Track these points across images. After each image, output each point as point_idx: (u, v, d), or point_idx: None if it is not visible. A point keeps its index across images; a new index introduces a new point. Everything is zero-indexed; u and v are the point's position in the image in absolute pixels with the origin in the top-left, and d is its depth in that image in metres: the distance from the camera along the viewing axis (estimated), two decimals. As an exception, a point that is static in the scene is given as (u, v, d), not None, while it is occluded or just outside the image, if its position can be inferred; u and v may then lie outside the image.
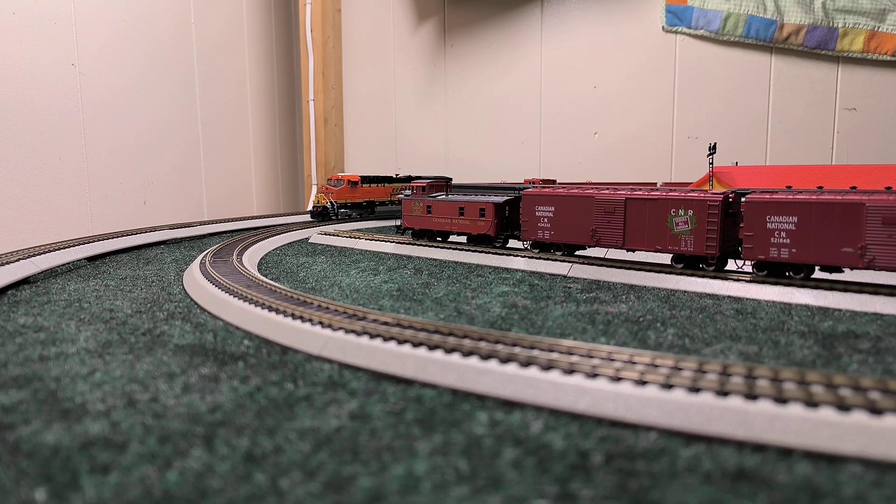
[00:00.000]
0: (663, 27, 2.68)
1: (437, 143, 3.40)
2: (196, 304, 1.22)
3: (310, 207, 2.69)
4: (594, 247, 1.56)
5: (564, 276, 1.49)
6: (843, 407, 0.59)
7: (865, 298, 1.13)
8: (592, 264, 1.50)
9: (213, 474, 0.53)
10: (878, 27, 2.30)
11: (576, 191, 1.58)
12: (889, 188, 1.22)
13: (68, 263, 1.68)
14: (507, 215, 1.79)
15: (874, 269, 1.15)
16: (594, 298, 1.24)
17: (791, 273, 1.27)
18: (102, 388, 0.74)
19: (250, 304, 1.08)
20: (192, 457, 0.56)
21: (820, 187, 1.32)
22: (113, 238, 1.99)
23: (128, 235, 2.07)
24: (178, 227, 2.34)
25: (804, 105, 2.48)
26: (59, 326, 1.04)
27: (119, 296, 1.30)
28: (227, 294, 1.17)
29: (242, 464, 0.55)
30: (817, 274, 1.26)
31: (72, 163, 2.47)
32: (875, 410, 0.58)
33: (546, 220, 1.61)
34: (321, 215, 2.61)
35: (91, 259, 1.78)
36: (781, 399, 0.61)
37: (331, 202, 2.56)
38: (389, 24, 3.50)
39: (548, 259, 1.58)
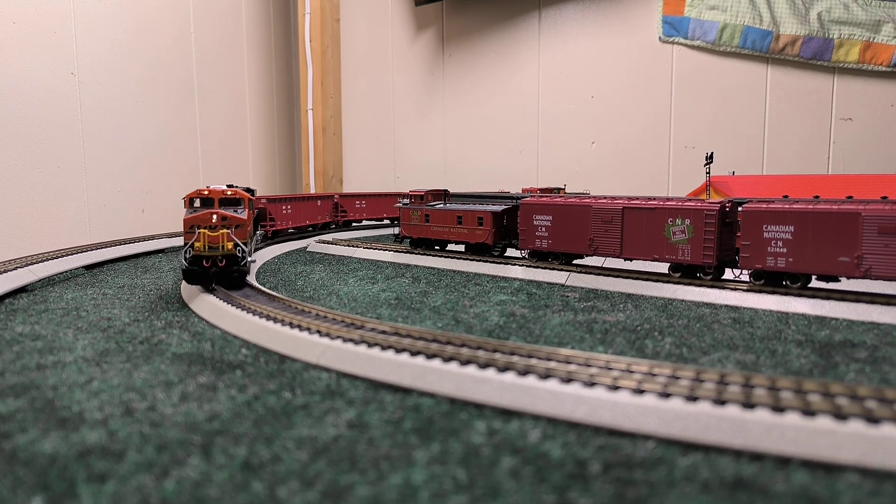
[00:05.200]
0: (660, 38, 2.69)
1: (436, 151, 3.41)
2: (194, 312, 1.22)
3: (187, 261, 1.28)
4: (592, 256, 1.57)
5: (562, 285, 1.49)
6: (840, 416, 0.59)
7: (862, 308, 1.14)
8: (590, 273, 1.51)
9: (210, 483, 0.53)
10: (874, 38, 2.31)
11: (573, 200, 1.58)
12: (885, 198, 1.23)
13: (66, 272, 1.68)
14: (505, 224, 1.79)
15: (871, 279, 1.16)
16: (592, 307, 1.24)
17: (788, 282, 1.27)
18: (100, 396, 0.74)
19: (248, 312, 1.08)
20: (189, 465, 0.56)
21: (816, 197, 1.33)
22: (111, 246, 1.99)
23: (126, 244, 2.07)
24: (176, 236, 2.34)
25: (800, 115, 2.50)
26: (57, 335, 1.04)
27: (117, 304, 1.30)
28: (225, 303, 1.17)
29: (240, 473, 0.55)
30: (814, 283, 1.26)
31: (70, 171, 2.48)
32: (872, 419, 0.58)
33: (544, 229, 1.62)
34: (225, 277, 1.29)
35: (89, 267, 1.78)
36: (779, 408, 0.61)
37: (241, 246, 1.29)
38: (388, 33, 3.52)
39: (546, 268, 1.59)
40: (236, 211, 1.33)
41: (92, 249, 1.89)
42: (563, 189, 2.67)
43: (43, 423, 0.66)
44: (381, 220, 2.93)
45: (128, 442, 0.61)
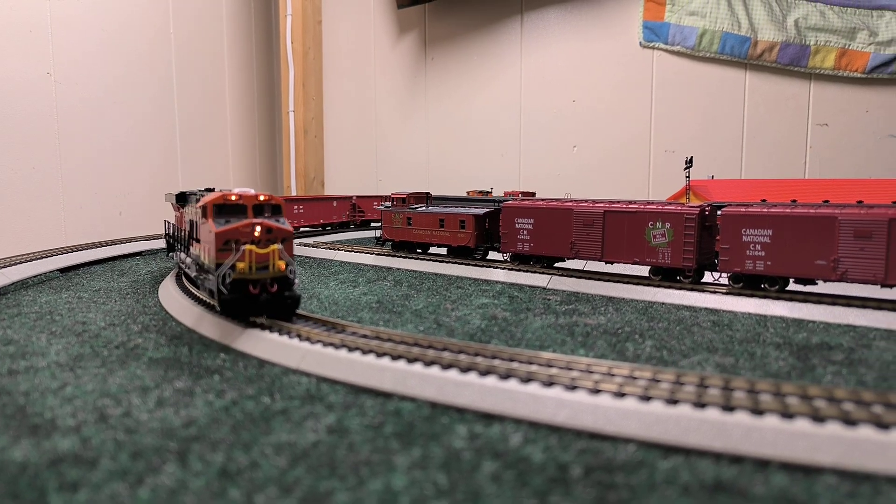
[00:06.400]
0: (641, 43, 2.72)
1: (419, 154, 3.40)
2: (171, 316, 1.20)
3: (222, 289, 0.99)
4: (573, 259, 1.57)
5: (544, 288, 1.49)
6: (818, 418, 0.59)
7: (839, 310, 1.15)
8: (571, 276, 1.51)
9: (186, 491, 0.52)
10: (849, 45, 2.35)
11: (555, 203, 1.59)
12: (861, 202, 1.25)
13: (40, 275, 1.65)
14: (488, 227, 1.79)
15: (846, 282, 1.17)
16: (573, 310, 1.24)
17: (766, 285, 1.28)
18: (73, 402, 0.73)
19: (226, 316, 1.07)
20: (165, 473, 0.55)
21: (794, 201, 1.34)
22: (87, 249, 1.95)
23: (102, 246, 2.04)
24: (154, 238, 2.31)
25: (778, 120, 2.53)
26: (30, 339, 1.02)
27: (92, 308, 1.28)
28: (203, 307, 1.15)
29: (217, 480, 0.54)
30: (792, 286, 1.28)
31: (45, 172, 2.43)
32: (849, 421, 0.59)
33: (526, 232, 1.62)
34: (278, 305, 1.02)
35: (64, 270, 1.75)
36: (758, 411, 0.61)
37: (292, 265, 1.02)
38: (370, 36, 3.51)
39: (527, 271, 1.59)
40: (278, 221, 1.05)
41: (67, 252, 1.86)
42: (491, 192, 2.77)
43: (14, 431, 0.64)
44: (317, 226, 2.64)
45: (101, 449, 0.60)
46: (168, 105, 3.03)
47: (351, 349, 0.85)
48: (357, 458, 0.58)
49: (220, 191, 1.10)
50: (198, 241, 1.16)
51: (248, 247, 0.98)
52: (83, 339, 1.02)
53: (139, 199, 2.85)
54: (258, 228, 1.00)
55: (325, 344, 0.88)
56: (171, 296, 1.31)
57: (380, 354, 0.82)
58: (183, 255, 1.39)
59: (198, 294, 1.25)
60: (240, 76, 3.54)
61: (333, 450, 0.60)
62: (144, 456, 0.58)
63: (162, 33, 2.98)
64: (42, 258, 1.72)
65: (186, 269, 1.33)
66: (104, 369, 0.86)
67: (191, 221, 1.24)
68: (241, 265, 0.97)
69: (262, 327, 0.98)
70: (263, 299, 0.99)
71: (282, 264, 1.00)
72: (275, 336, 0.93)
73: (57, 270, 1.72)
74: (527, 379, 0.72)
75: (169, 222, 1.70)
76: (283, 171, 3.64)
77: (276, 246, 0.99)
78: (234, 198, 1.05)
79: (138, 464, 0.57)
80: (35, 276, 1.62)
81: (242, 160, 3.60)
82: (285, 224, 1.04)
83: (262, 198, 1.06)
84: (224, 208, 1.04)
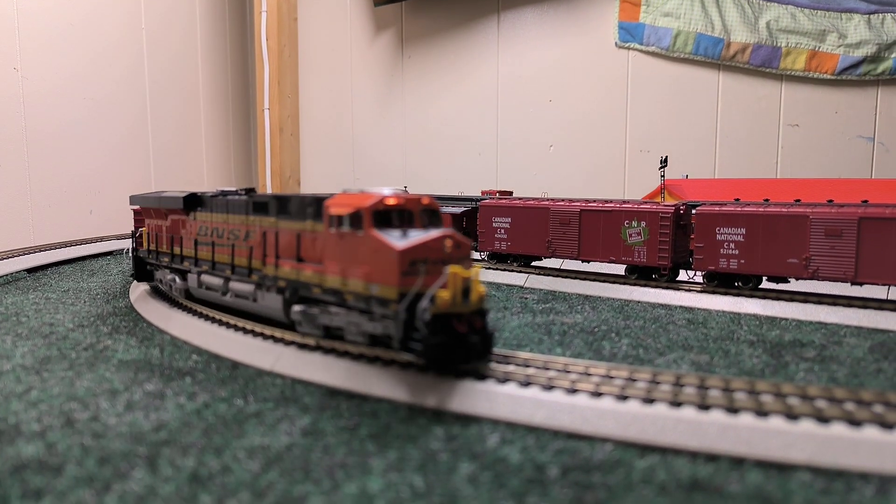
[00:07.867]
0: (616, 43, 2.73)
1: (395, 153, 3.39)
2: (143, 317, 1.17)
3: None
4: (550, 257, 1.58)
5: (521, 287, 1.49)
6: (791, 416, 0.60)
7: (810, 308, 1.17)
8: (548, 275, 1.51)
9: (155, 497, 0.51)
10: (819, 47, 2.39)
11: (532, 202, 1.59)
12: (831, 201, 1.27)
13: (6, 275, 1.61)
14: (465, 226, 1.79)
15: (818, 280, 1.19)
16: (550, 309, 1.25)
17: (740, 283, 1.30)
18: (38, 407, 0.71)
19: (199, 317, 1.05)
20: (133, 479, 0.54)
21: (766, 200, 1.36)
22: (56, 249, 1.91)
23: (72, 246, 2.00)
24: (125, 238, 2.26)
25: (750, 120, 2.57)
26: (-6, 342, 0.99)
27: (61, 309, 1.25)
28: (175, 307, 1.13)
29: (187, 485, 0.53)
30: (765, 284, 1.29)
31: (12, 170, 2.37)
32: (822, 419, 0.59)
33: (503, 231, 1.62)
34: (484, 343, 0.76)
35: (31, 271, 1.71)
36: (733, 409, 0.62)
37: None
38: (347, 33, 3.48)
39: (505, 270, 1.59)
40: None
41: (35, 252, 1.82)
42: (406, 189, 2.73)
43: (-25, 437, 0.62)
44: None
45: (67, 455, 0.58)
46: (140, 101, 2.98)
47: (326, 351, 0.83)
48: (332, 460, 0.57)
49: (365, 191, 0.82)
50: (300, 260, 0.89)
51: (452, 269, 0.71)
52: (50, 342, 1.00)
53: (110, 197, 2.80)
54: (448, 243, 0.74)
55: (300, 345, 0.86)
56: (142, 296, 1.27)
57: (356, 356, 0.81)
58: (213, 280, 1.06)
59: (167, 290, 1.22)
60: (214, 73, 3.49)
61: (308, 453, 0.59)
62: (112, 461, 0.57)
63: (133, 28, 2.92)
64: (8, 258, 1.68)
65: (233, 301, 1.03)
66: (72, 372, 0.84)
67: (263, 233, 0.96)
68: (444, 295, 0.70)
69: (236, 329, 0.96)
70: (473, 340, 0.73)
71: (483, 290, 0.75)
72: (248, 338, 0.92)
73: (24, 271, 1.68)
74: (504, 379, 0.71)
75: (142, 233, 1.34)
76: (259, 169, 3.60)
77: (480, 267, 0.77)
78: (394, 201, 0.78)
79: (105, 470, 0.55)
80: (1, 277, 1.58)
81: (217, 158, 3.55)
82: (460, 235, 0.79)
83: (424, 200, 0.81)
84: (385, 216, 0.78)
